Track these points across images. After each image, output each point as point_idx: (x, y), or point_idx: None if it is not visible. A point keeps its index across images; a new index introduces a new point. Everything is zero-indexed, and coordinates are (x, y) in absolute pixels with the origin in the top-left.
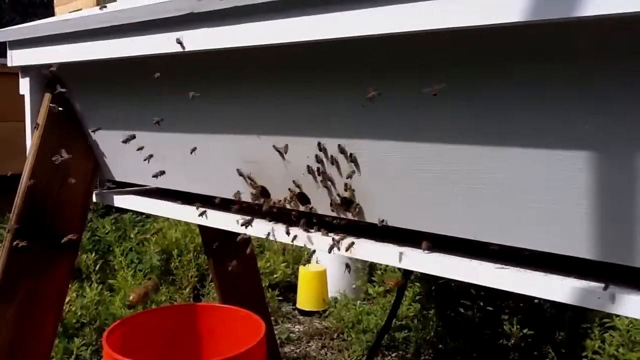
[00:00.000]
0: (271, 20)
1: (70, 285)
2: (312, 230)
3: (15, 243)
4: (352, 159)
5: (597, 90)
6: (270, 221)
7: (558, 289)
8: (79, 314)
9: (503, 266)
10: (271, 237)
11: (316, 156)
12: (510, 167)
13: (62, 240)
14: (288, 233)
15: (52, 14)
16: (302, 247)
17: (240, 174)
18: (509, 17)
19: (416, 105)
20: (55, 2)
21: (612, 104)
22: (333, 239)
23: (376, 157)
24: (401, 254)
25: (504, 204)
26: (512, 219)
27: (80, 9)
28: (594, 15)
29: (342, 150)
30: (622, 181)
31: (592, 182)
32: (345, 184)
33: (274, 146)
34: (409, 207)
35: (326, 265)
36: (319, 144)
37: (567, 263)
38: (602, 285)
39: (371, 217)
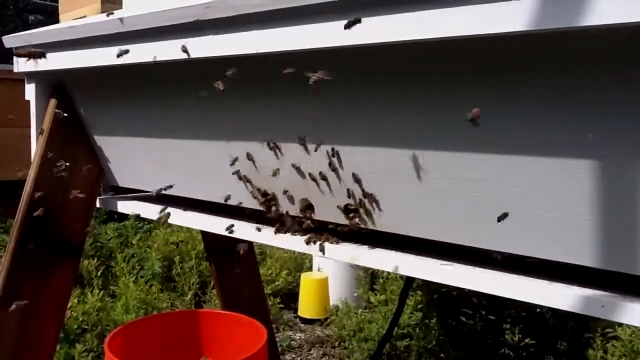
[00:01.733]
0: (278, 28)
1: (72, 291)
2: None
3: (19, 248)
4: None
5: (601, 100)
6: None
7: (561, 297)
8: (81, 319)
9: (506, 274)
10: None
11: (309, 160)
12: (514, 176)
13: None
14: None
15: (57, 22)
16: (303, 254)
17: (241, 179)
18: (513, 27)
19: (423, 112)
20: (60, 9)
21: (616, 113)
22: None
23: (381, 164)
24: (402, 261)
25: (507, 213)
26: (515, 227)
27: (85, 17)
28: (598, 25)
29: (338, 156)
30: (626, 190)
31: (596, 191)
32: (348, 190)
33: (274, 151)
34: (412, 214)
35: (328, 273)
36: (319, 147)
37: (570, 271)
38: (605, 293)
39: (374, 224)
